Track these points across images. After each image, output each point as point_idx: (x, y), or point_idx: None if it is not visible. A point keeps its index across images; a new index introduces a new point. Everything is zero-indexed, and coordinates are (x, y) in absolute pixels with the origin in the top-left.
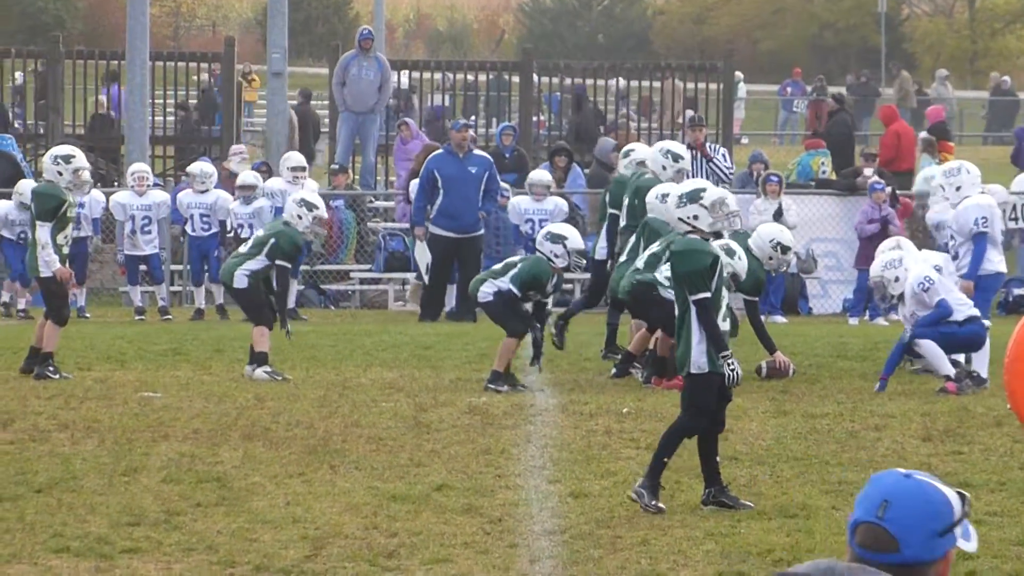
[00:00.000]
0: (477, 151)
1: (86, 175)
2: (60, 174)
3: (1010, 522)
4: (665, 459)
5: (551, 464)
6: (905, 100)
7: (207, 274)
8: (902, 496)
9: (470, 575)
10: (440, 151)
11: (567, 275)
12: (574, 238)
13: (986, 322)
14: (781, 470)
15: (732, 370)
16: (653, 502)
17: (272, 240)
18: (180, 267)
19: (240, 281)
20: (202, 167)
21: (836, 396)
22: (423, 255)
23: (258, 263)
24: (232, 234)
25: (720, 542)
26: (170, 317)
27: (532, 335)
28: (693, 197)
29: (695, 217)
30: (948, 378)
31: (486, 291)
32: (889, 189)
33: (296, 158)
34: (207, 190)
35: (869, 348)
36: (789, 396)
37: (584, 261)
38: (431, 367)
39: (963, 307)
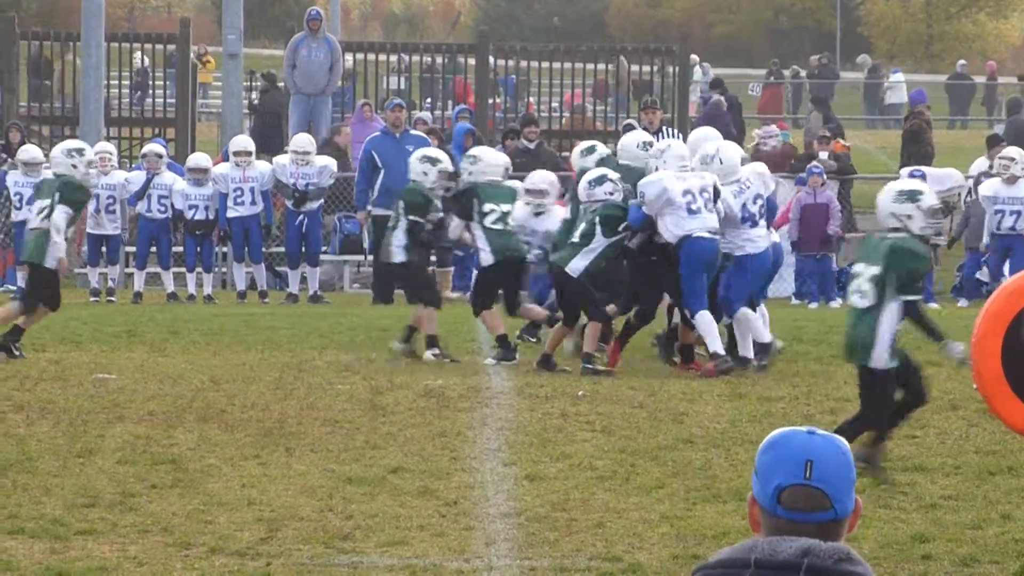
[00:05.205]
0: (413, 131)
1: (95, 168)
2: (75, 167)
3: (965, 505)
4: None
5: (507, 447)
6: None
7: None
8: (822, 454)
9: (426, 557)
10: (377, 133)
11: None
12: (447, 162)
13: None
14: (736, 453)
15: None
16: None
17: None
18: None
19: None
20: (155, 148)
21: (791, 379)
22: None
23: None
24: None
25: (675, 525)
26: (113, 300)
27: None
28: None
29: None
30: (716, 354)
31: (397, 246)
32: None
33: (240, 141)
34: (160, 171)
35: (824, 332)
36: (744, 379)
37: (452, 184)
38: (387, 349)
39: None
